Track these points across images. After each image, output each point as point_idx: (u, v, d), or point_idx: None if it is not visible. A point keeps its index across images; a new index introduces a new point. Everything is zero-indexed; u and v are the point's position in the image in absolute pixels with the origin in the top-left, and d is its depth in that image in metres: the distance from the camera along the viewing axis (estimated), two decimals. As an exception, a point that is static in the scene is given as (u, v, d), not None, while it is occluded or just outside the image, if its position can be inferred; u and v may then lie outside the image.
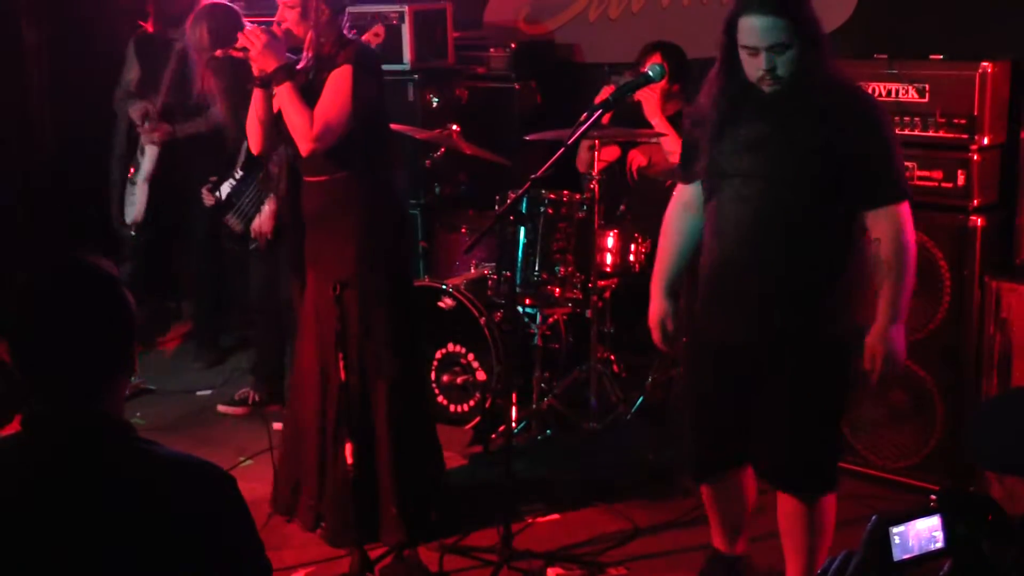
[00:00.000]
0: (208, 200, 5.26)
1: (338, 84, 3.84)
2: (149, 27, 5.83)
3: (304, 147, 3.87)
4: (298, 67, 3.94)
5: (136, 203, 5.72)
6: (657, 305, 3.59)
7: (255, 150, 4.15)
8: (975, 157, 4.13)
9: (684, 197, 3.52)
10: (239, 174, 5.16)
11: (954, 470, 4.25)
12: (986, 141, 4.14)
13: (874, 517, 1.81)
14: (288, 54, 3.93)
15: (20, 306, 1.94)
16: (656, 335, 3.61)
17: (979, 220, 4.15)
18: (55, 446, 1.89)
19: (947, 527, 1.83)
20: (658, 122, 5.03)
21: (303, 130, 3.83)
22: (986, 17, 4.65)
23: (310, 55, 3.95)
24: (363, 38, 4.83)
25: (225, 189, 5.23)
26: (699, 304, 3.46)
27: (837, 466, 3.45)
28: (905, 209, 3.19)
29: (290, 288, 5.10)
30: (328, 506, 4.07)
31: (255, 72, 3.90)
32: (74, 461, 1.88)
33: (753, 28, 3.07)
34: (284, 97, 3.84)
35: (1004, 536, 1.85)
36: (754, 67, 3.12)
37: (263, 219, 5.09)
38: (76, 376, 1.93)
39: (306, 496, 4.18)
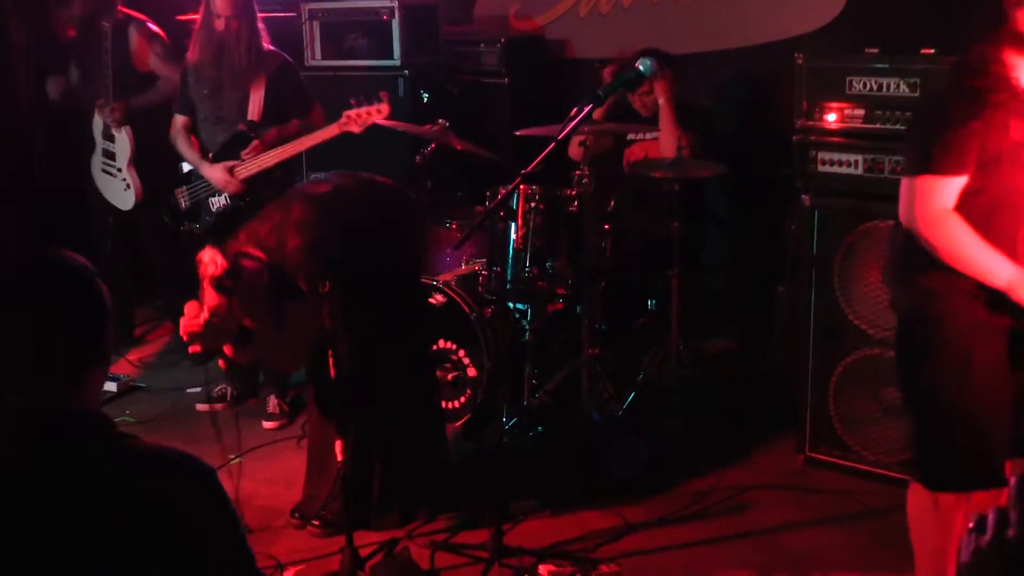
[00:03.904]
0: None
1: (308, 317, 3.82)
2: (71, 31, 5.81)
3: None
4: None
5: (132, 186, 5.69)
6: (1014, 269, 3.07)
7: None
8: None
9: (951, 197, 3.08)
10: (211, 157, 5.16)
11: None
12: (978, 135, 4.12)
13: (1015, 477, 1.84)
14: None
15: None
16: None
17: (971, 215, 4.13)
18: (29, 442, 1.89)
19: None
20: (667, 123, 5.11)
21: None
22: (977, 11, 4.64)
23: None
24: (364, 112, 4.86)
25: (187, 166, 5.26)
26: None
27: None
28: None
29: None
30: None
31: None
32: (47, 457, 1.87)
33: None
34: None
35: None
36: None
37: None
38: (50, 370, 1.93)
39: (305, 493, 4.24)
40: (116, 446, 1.93)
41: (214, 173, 5.07)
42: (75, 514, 1.84)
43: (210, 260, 3.69)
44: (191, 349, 3.77)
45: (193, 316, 3.71)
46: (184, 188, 5.27)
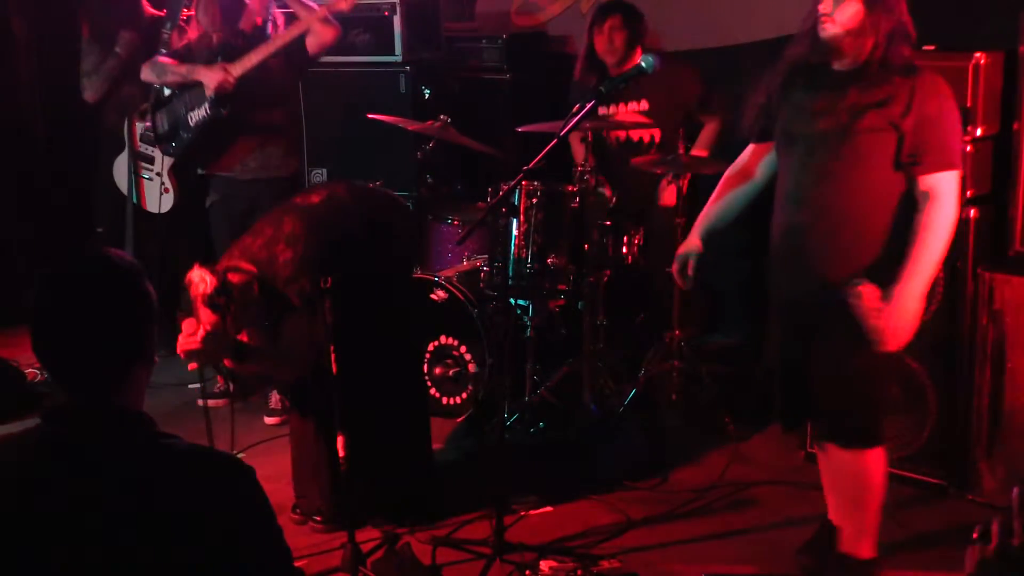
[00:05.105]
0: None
1: None
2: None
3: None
4: None
5: (171, 190, 5.74)
6: (690, 240, 3.86)
7: None
8: (968, 148, 4.10)
9: (746, 158, 3.74)
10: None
11: (948, 461, 4.25)
12: (979, 132, 4.11)
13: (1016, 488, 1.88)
14: None
15: (39, 299, 1.94)
16: (676, 266, 3.86)
17: (972, 211, 4.13)
18: (72, 439, 1.90)
19: None
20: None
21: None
22: (979, 8, 4.64)
23: None
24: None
25: (168, 90, 5.30)
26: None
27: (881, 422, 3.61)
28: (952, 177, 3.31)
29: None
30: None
31: None
32: (88, 455, 1.88)
33: None
34: None
35: None
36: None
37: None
38: (95, 367, 1.94)
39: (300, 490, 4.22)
40: (157, 444, 1.94)
41: (211, 72, 5.02)
42: (115, 512, 1.85)
43: (199, 279, 3.70)
44: (190, 367, 3.78)
45: (190, 334, 3.72)
46: (163, 109, 5.31)
